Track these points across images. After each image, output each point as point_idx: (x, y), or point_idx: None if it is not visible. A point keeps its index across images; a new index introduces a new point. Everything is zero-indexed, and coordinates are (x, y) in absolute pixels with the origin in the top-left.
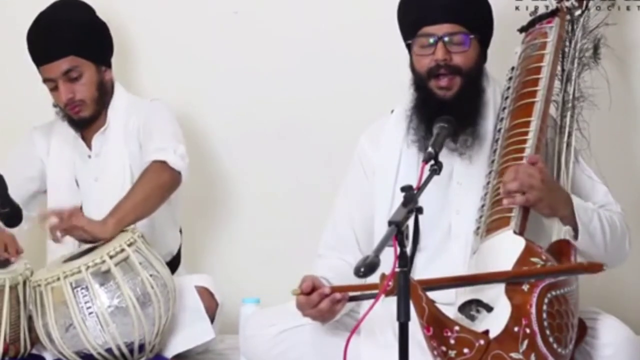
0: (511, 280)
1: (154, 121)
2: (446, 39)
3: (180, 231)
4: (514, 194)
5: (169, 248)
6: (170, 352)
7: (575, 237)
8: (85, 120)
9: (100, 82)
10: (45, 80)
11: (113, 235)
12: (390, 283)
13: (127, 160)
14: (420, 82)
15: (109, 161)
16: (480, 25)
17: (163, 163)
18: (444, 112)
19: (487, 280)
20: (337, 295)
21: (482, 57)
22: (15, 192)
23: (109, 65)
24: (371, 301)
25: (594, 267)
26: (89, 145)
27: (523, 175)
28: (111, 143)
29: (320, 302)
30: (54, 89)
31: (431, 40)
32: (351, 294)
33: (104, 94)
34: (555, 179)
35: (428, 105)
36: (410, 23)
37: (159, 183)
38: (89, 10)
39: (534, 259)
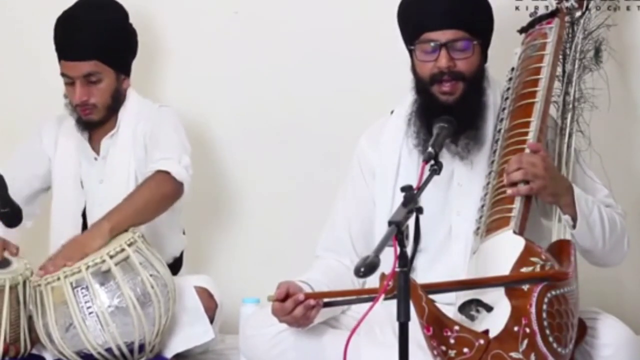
0: (490, 286)
1: (161, 129)
2: (449, 45)
3: (184, 233)
4: (517, 183)
5: (172, 251)
6: (170, 351)
7: (574, 226)
8: (93, 123)
9: (117, 89)
10: (63, 74)
11: (107, 241)
12: (390, 283)
13: (132, 164)
14: (423, 86)
15: (115, 165)
16: (482, 30)
17: (166, 174)
18: (447, 115)
19: (469, 286)
20: (311, 301)
21: (483, 59)
22: (20, 189)
23: (128, 74)
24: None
25: (560, 275)
26: (96, 147)
27: (526, 164)
28: (119, 147)
29: (294, 309)
30: (69, 84)
31: (434, 46)
32: (326, 300)
33: (117, 101)
34: None
35: (430, 109)
36: (412, 28)
37: (160, 192)
38: (124, 15)
39: (533, 259)
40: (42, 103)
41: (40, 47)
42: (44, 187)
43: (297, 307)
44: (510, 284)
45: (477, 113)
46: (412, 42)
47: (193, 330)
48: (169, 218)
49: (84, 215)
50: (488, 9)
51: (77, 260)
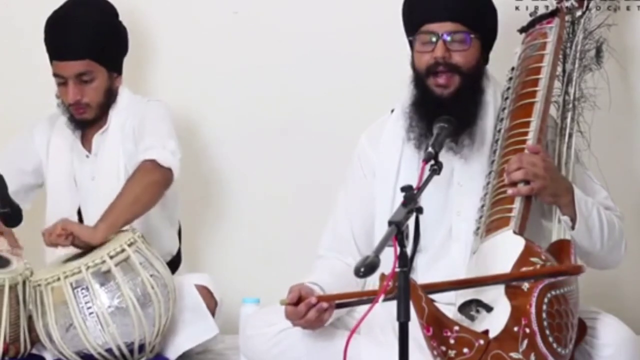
0: (494, 284)
1: (148, 121)
2: (447, 37)
3: (180, 231)
4: (518, 183)
5: (166, 248)
6: (175, 351)
7: (573, 227)
8: (87, 121)
9: (109, 88)
10: (55, 74)
11: (104, 240)
12: (390, 283)
13: (122, 159)
14: (419, 79)
15: (105, 161)
16: (482, 25)
17: (152, 161)
18: (442, 110)
19: (473, 284)
20: (324, 304)
21: (482, 57)
22: (11, 185)
23: (120, 72)
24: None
25: (574, 269)
26: (87, 145)
27: (527, 164)
28: (109, 143)
29: (307, 312)
30: (62, 84)
31: (432, 38)
32: (338, 302)
33: (109, 99)
34: None
35: (426, 103)
36: (413, 20)
37: (149, 182)
38: (114, 13)
39: (533, 259)
40: (38, 102)
41: (36, 45)
42: (34, 184)
43: (310, 310)
44: (525, 279)
45: (474, 109)
46: (412, 33)
47: (196, 328)
48: (161, 213)
49: (79, 213)
50: (491, 8)
51: (73, 235)
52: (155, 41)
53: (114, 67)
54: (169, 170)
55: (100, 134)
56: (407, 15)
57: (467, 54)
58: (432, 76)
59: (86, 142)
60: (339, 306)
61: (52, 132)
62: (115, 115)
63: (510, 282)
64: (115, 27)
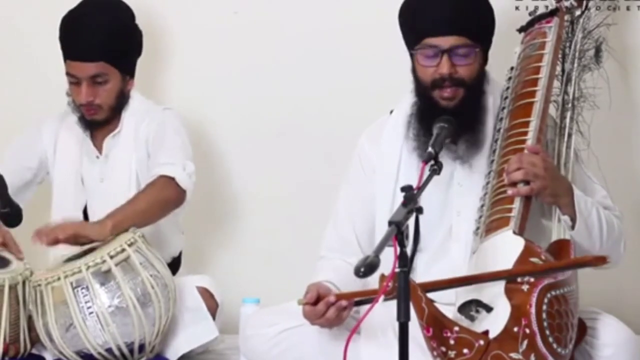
0: (514, 278)
1: (165, 132)
2: (452, 53)
3: (182, 233)
4: (518, 183)
5: (171, 251)
6: (175, 353)
7: (573, 227)
8: (98, 122)
9: (121, 90)
10: (68, 73)
11: (108, 237)
12: (390, 284)
13: (134, 164)
14: (423, 90)
15: (116, 164)
16: (484, 36)
17: (171, 179)
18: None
19: (495, 278)
20: (343, 302)
21: (484, 63)
22: (10, 178)
23: (133, 75)
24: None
25: (598, 260)
26: (98, 146)
27: (527, 164)
28: (121, 147)
29: (326, 311)
30: (74, 84)
31: (436, 52)
32: (357, 299)
33: (121, 102)
34: None
35: (430, 113)
36: (414, 32)
37: (163, 197)
38: (131, 16)
39: (533, 259)
40: (43, 102)
41: (42, 46)
42: (33, 179)
43: (330, 309)
44: (552, 271)
45: (476, 117)
46: (413, 46)
47: (197, 330)
48: (170, 219)
49: (85, 213)
50: (490, 13)
51: (71, 233)
52: (154, 41)
53: (128, 70)
54: (184, 192)
55: (112, 136)
56: (406, 28)
57: (472, 67)
58: (438, 89)
59: (97, 143)
60: (357, 304)
61: (61, 130)
62: (128, 118)
63: (536, 275)
64: (131, 29)
